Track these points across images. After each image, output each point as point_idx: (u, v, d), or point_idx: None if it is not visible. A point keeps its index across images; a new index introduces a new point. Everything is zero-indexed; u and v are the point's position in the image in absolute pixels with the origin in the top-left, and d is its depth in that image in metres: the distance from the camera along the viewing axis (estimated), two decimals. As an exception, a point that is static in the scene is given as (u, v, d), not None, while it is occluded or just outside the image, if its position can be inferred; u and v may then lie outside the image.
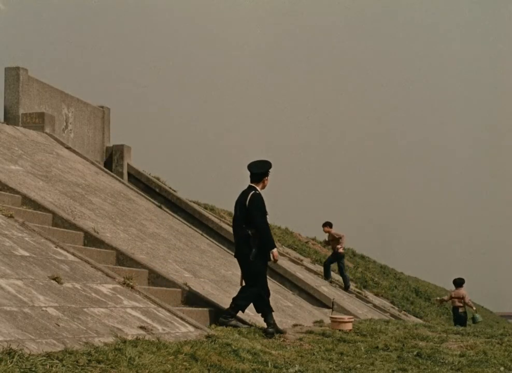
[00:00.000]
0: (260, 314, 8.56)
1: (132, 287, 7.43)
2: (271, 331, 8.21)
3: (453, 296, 16.23)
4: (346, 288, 17.31)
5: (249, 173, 8.58)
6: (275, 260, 8.49)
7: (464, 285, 16.38)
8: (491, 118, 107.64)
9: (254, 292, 8.38)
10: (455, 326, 13.95)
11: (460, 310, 16.09)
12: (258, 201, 8.38)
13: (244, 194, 8.52)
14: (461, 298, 15.99)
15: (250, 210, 8.32)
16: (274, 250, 8.39)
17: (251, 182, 8.57)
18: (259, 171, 8.56)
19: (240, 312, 8.53)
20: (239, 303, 8.38)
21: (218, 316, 8.52)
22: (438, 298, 17.88)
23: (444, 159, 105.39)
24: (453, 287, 16.81)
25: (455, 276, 16.65)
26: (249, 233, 8.29)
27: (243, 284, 8.50)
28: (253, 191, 8.44)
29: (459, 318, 15.95)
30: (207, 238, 14.49)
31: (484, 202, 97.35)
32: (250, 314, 9.30)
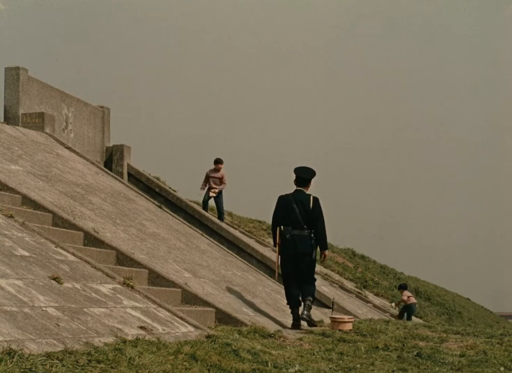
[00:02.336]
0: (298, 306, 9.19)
1: (132, 287, 7.42)
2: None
3: (409, 295, 18.86)
4: (220, 219, 17.36)
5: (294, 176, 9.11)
6: (325, 260, 9.60)
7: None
8: (494, 117, 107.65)
9: (315, 288, 9.34)
10: (411, 319, 17.28)
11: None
12: (320, 204, 9.04)
13: (299, 196, 9.02)
14: (411, 296, 19.15)
15: (314, 213, 8.96)
16: (327, 251, 9.27)
17: (299, 186, 9.13)
18: (309, 176, 9.16)
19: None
20: (309, 301, 9.12)
21: (219, 316, 8.52)
22: (396, 302, 19.64)
23: (444, 159, 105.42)
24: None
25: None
26: (311, 234, 8.94)
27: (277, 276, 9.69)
28: (312, 195, 9.08)
29: (414, 311, 18.66)
30: (207, 238, 14.48)
31: (485, 203, 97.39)
32: (250, 313, 9.30)
